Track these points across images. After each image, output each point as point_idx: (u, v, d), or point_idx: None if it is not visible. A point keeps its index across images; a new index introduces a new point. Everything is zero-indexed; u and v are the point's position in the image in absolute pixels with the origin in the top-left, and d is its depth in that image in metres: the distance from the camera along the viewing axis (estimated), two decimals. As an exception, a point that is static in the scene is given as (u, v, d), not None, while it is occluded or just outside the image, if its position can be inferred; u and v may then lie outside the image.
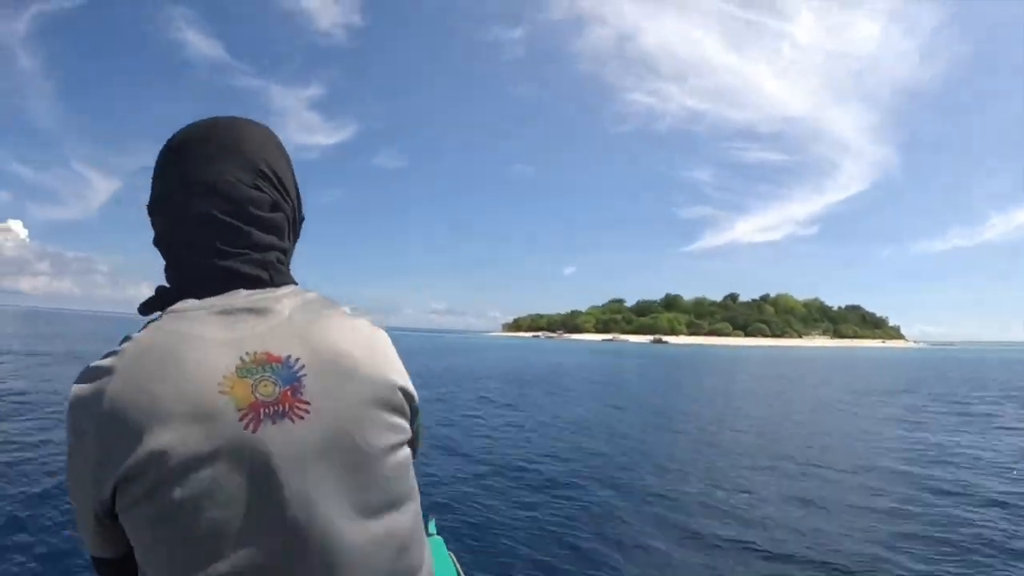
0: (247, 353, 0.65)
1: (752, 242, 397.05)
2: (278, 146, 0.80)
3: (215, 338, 0.65)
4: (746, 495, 6.32)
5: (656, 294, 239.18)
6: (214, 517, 0.59)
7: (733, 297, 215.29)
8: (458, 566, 2.07)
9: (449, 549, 2.18)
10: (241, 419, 0.61)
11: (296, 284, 0.77)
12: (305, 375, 0.65)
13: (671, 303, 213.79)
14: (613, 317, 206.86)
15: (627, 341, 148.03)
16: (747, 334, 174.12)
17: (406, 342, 53.82)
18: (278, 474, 0.61)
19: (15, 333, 39.53)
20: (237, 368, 0.64)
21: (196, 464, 0.59)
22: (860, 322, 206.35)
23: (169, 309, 0.68)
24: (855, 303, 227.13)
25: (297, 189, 0.82)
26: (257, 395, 0.63)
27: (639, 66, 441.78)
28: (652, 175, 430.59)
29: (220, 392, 0.62)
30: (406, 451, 0.71)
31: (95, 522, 0.66)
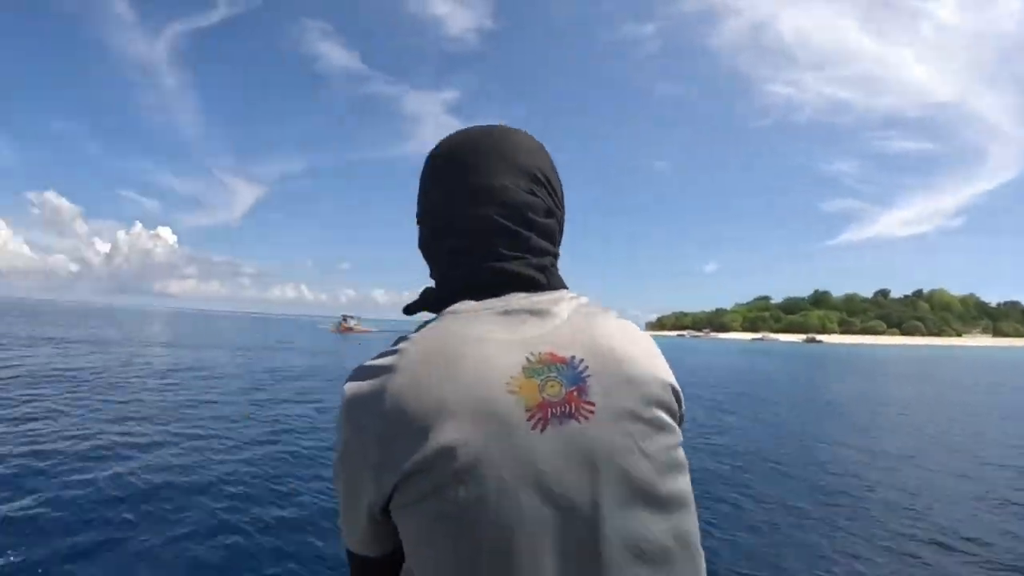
0: (532, 353, 0.66)
1: (898, 236, 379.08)
2: (547, 154, 0.82)
3: (500, 338, 0.66)
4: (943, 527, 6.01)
5: (798, 290, 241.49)
6: (499, 516, 0.59)
7: (884, 293, 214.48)
8: None
9: None
10: (529, 419, 0.62)
11: (567, 288, 0.78)
12: (589, 375, 0.66)
13: (819, 300, 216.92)
14: (760, 315, 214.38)
15: (777, 340, 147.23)
16: (902, 332, 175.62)
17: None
18: (564, 475, 0.61)
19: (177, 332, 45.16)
20: (523, 368, 0.64)
21: (484, 462, 0.60)
22: (1021, 319, 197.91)
23: (448, 310, 0.70)
24: (1013, 299, 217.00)
25: (563, 197, 0.83)
26: (544, 395, 0.63)
27: (775, 56, 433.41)
28: (792, 168, 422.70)
29: (508, 391, 0.63)
30: (682, 453, 0.70)
31: (367, 520, 0.67)
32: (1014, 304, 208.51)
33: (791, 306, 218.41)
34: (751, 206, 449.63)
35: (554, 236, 0.79)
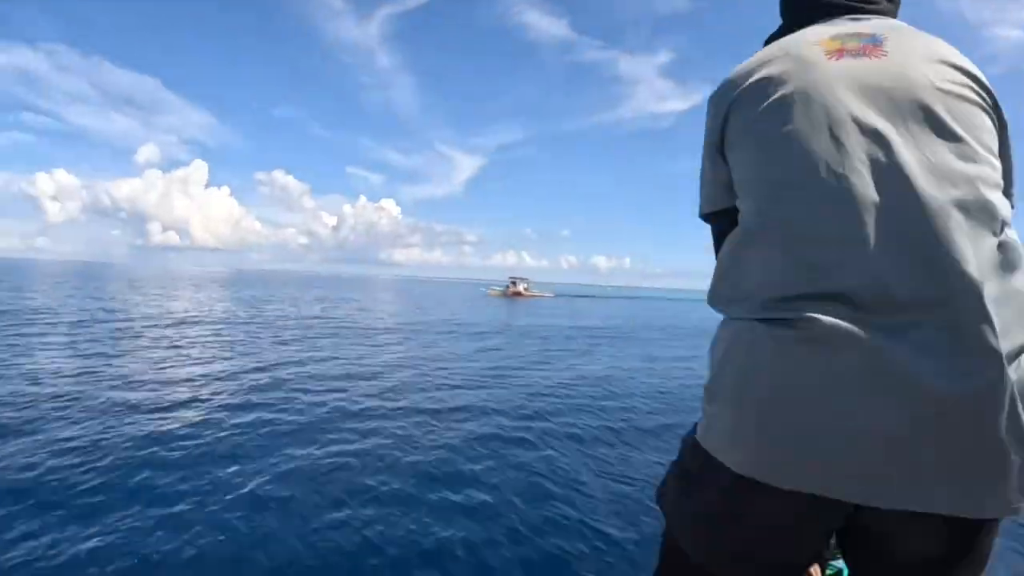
0: (842, 32, 0.88)
1: None
2: None
3: (818, 30, 0.90)
4: None
5: None
6: (804, 141, 0.79)
7: None
8: None
9: None
10: (828, 56, 0.84)
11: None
12: (888, 39, 0.84)
13: None
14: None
15: None
16: None
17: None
18: (856, 100, 0.78)
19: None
20: (831, 36, 0.87)
21: (791, 81, 0.83)
22: None
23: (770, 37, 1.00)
24: None
25: None
26: (844, 46, 0.85)
27: None
28: None
29: (814, 45, 0.87)
30: (985, 118, 0.81)
31: (711, 166, 0.95)
32: None
33: None
34: None
35: None
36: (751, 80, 0.87)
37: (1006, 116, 0.84)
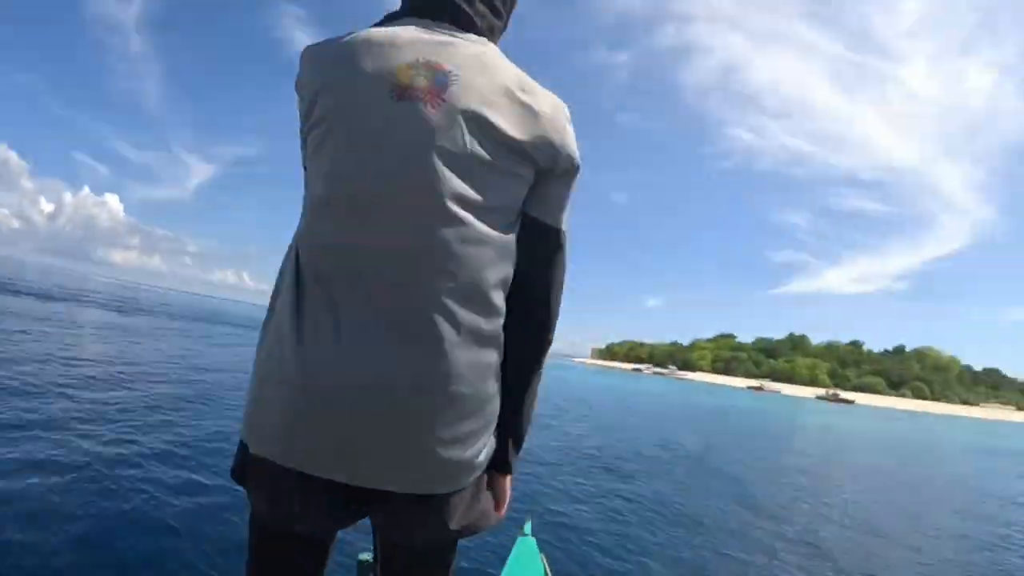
0: (422, 61, 0.88)
1: (841, 292, 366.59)
2: None
3: (406, 39, 0.91)
4: None
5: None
6: (352, 125, 0.87)
7: (856, 344, 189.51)
8: (547, 568, 2.39)
9: (541, 551, 2.50)
10: (392, 92, 0.86)
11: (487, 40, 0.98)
12: (457, 79, 0.87)
13: (797, 344, 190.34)
14: (735, 355, 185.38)
15: (779, 392, 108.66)
16: (899, 393, 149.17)
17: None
18: (399, 132, 0.85)
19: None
20: (409, 63, 0.88)
21: (354, 94, 0.88)
22: (1008, 387, 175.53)
23: (388, 15, 0.99)
24: (991, 366, 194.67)
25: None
26: (412, 83, 0.86)
27: (743, 100, 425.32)
28: (745, 214, 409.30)
29: (390, 73, 0.87)
30: (512, 186, 0.90)
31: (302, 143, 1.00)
32: (994, 371, 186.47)
33: (767, 348, 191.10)
34: (700, 246, 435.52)
35: (496, 8, 1.02)
36: (337, 78, 0.90)
37: (569, 161, 0.95)
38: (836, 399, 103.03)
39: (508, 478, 1.05)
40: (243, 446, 0.92)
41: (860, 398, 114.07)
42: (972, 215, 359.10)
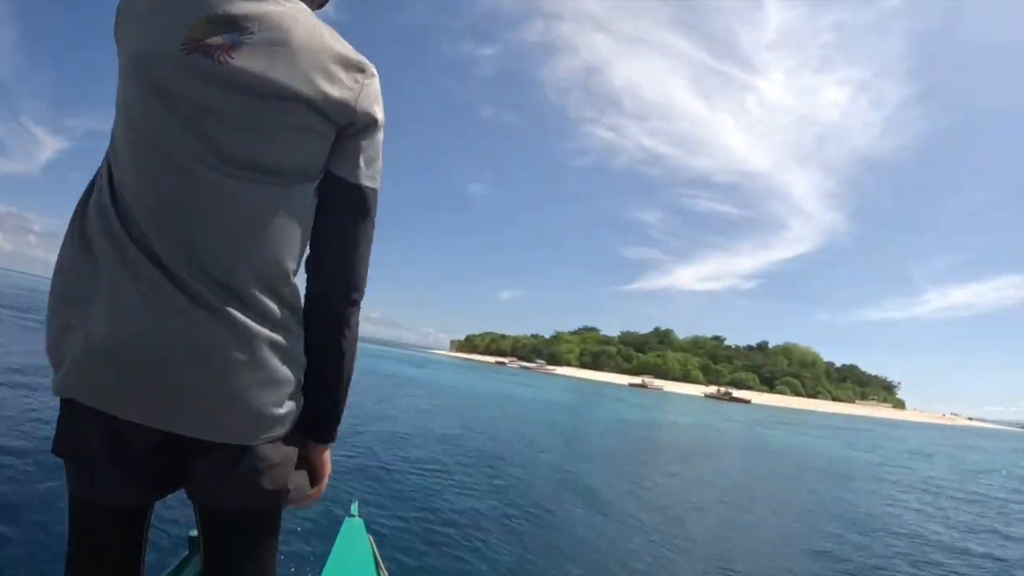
0: (221, 14, 0.85)
1: (691, 289, 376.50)
2: None
3: None
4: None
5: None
6: (145, 77, 0.83)
7: (718, 339, 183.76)
8: (375, 548, 2.35)
9: (368, 532, 2.51)
10: (184, 46, 0.83)
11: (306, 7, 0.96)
12: (249, 43, 0.84)
13: (663, 338, 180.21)
14: (605, 349, 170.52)
15: (662, 389, 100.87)
16: (772, 389, 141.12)
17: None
18: (187, 86, 0.82)
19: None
20: (207, 18, 0.84)
21: (151, 43, 0.84)
22: (878, 388, 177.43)
23: None
24: (849, 362, 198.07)
25: None
26: (205, 38, 0.83)
27: (603, 100, 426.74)
28: (601, 211, 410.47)
29: (190, 23, 0.83)
30: (307, 141, 0.88)
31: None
32: (853, 367, 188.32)
33: (634, 342, 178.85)
34: (556, 240, 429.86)
35: None
36: (138, 27, 0.87)
37: (368, 118, 0.94)
38: (729, 398, 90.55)
39: (327, 452, 1.04)
40: (61, 414, 0.90)
41: (752, 397, 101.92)
42: (820, 220, 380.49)
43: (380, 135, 0.97)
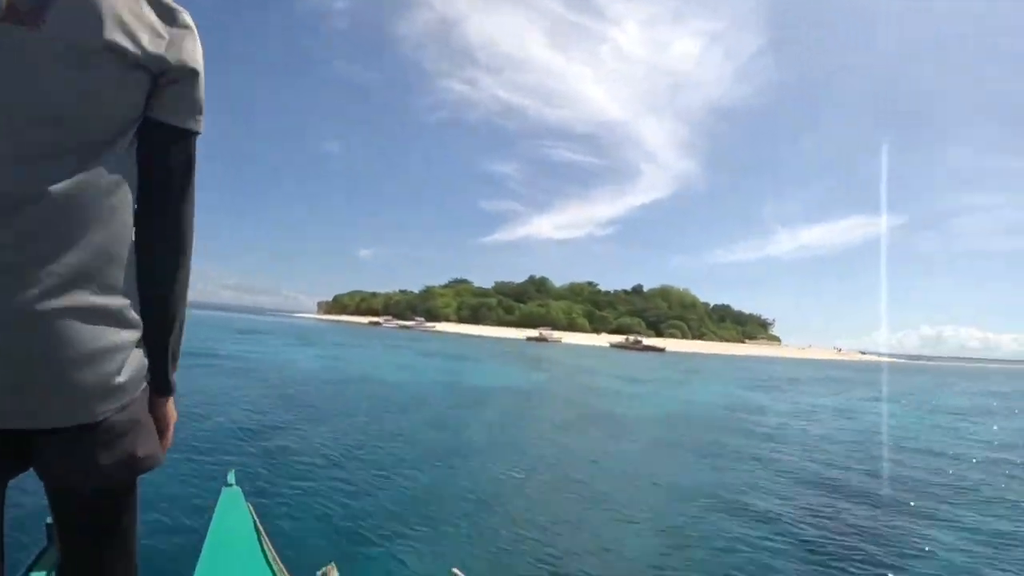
0: None
1: (549, 238, 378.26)
2: None
3: None
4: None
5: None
6: None
7: (592, 284, 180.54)
8: (255, 515, 2.39)
9: (247, 500, 2.53)
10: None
11: None
12: (56, 3, 0.79)
13: (540, 287, 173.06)
14: (484, 301, 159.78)
15: (561, 340, 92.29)
16: (659, 333, 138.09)
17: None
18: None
19: None
20: None
21: None
22: (756, 326, 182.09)
23: None
24: (721, 302, 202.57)
25: None
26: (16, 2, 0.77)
27: (458, 54, 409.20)
28: (458, 164, 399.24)
29: None
30: (121, 95, 0.84)
31: None
32: (725, 307, 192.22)
33: (513, 292, 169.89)
34: (413, 195, 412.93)
35: None
36: None
37: (183, 67, 0.91)
38: (641, 347, 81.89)
39: (170, 402, 1.04)
40: None
41: (659, 343, 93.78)
42: (674, 168, 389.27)
43: (200, 80, 0.94)
